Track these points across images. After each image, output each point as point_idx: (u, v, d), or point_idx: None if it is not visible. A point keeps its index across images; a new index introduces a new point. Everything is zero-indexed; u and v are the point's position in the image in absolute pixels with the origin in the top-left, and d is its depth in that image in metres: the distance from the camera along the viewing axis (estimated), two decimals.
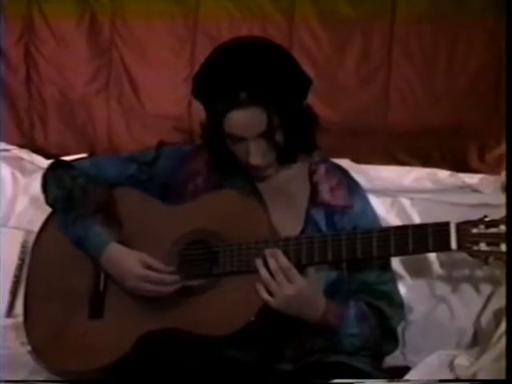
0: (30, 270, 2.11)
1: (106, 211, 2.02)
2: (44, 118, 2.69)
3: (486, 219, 1.77)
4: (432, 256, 2.18)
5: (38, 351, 2.01)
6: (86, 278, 2.00)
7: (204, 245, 1.91)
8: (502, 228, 1.75)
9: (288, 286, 1.78)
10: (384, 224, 2.08)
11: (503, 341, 1.83)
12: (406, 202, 2.31)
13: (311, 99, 1.97)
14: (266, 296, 1.79)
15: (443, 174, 2.36)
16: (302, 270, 1.82)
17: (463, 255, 1.80)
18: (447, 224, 1.78)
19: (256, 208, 1.91)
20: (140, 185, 2.06)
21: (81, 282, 2.01)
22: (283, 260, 1.80)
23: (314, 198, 1.96)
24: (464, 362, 1.88)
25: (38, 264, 2.10)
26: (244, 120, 1.84)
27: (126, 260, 1.92)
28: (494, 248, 1.75)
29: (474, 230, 1.77)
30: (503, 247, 1.74)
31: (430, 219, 1.83)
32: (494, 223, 1.76)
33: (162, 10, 2.59)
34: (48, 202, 2.10)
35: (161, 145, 2.10)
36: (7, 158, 2.62)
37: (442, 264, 2.18)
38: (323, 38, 2.50)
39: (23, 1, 2.64)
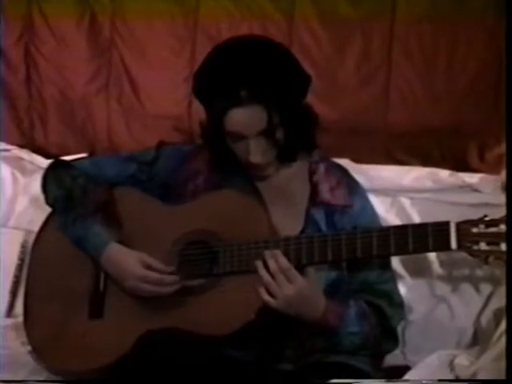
0: (29, 270, 2.11)
1: (105, 211, 2.02)
2: (44, 117, 2.69)
3: (486, 219, 1.77)
4: (432, 255, 2.18)
5: (38, 351, 2.01)
6: (85, 278, 2.00)
7: (204, 245, 1.91)
8: (502, 227, 1.75)
9: (288, 286, 1.78)
10: (384, 224, 2.07)
11: (503, 340, 1.83)
12: (405, 201, 2.31)
13: (311, 99, 1.97)
14: (266, 297, 1.79)
15: (443, 174, 2.36)
16: (301, 269, 1.82)
17: (463, 255, 1.80)
18: (447, 223, 1.78)
19: (256, 208, 1.91)
20: (140, 185, 2.06)
21: (81, 281, 2.01)
22: (283, 261, 1.80)
23: (313, 197, 1.96)
24: (464, 362, 1.88)
25: (37, 264, 2.10)
26: (244, 118, 1.84)
27: (125, 260, 1.92)
28: (494, 247, 1.75)
29: (474, 230, 1.77)
30: (503, 247, 1.74)
31: (430, 219, 1.83)
32: (494, 223, 1.76)
33: (162, 10, 2.59)
34: (48, 201, 2.10)
35: (161, 145, 2.10)
36: (7, 157, 2.62)
37: (441, 263, 2.19)
38: (323, 37, 2.50)
39: (23, 1, 2.64)
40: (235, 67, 1.83)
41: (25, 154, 2.64)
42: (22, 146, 2.67)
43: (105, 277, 1.99)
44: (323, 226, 1.93)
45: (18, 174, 2.59)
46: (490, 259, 1.76)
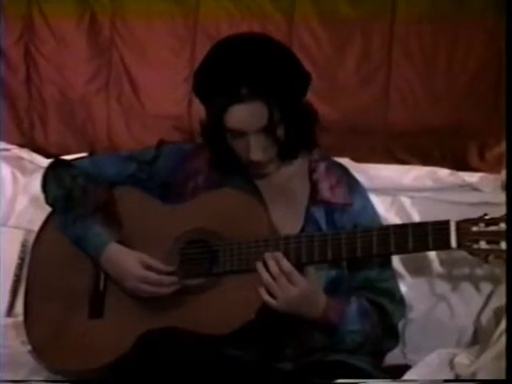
0: (30, 270, 2.11)
1: (105, 211, 2.02)
2: (44, 117, 2.69)
3: (486, 217, 1.77)
4: (432, 254, 2.18)
5: (38, 350, 2.01)
6: (85, 278, 2.00)
7: (204, 244, 1.91)
8: (502, 226, 1.75)
9: (292, 288, 1.79)
10: (384, 223, 2.07)
11: (503, 339, 1.83)
12: (406, 200, 2.31)
13: (311, 98, 1.97)
14: (267, 298, 1.79)
15: (443, 173, 2.35)
16: (301, 268, 1.82)
17: (463, 253, 1.80)
18: (447, 222, 1.78)
19: (256, 207, 1.91)
20: (140, 184, 2.06)
21: (81, 281, 2.01)
22: (285, 263, 1.80)
23: (314, 195, 1.96)
24: (464, 361, 1.87)
25: (38, 263, 2.10)
26: (245, 114, 1.84)
27: (125, 260, 1.92)
28: (494, 246, 1.75)
29: (474, 229, 1.77)
30: (503, 245, 1.74)
31: (430, 218, 1.84)
32: (493, 221, 1.76)
33: (162, 10, 2.59)
34: (48, 201, 2.10)
35: (161, 144, 2.10)
36: (7, 157, 2.62)
37: (442, 262, 2.19)
38: (323, 37, 2.50)
39: (23, 1, 2.64)
40: (236, 64, 1.84)
41: (25, 154, 2.64)
42: (22, 146, 2.68)
43: (105, 276, 1.99)
44: (323, 225, 1.93)
45: (18, 174, 2.59)
46: (490, 258, 1.76)
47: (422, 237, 1.79)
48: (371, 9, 2.46)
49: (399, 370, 1.90)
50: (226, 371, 1.84)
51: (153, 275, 1.88)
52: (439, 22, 2.42)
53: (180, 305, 1.88)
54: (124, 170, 2.08)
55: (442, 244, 1.79)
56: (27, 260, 2.21)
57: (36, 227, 2.15)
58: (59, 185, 2.08)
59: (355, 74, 2.49)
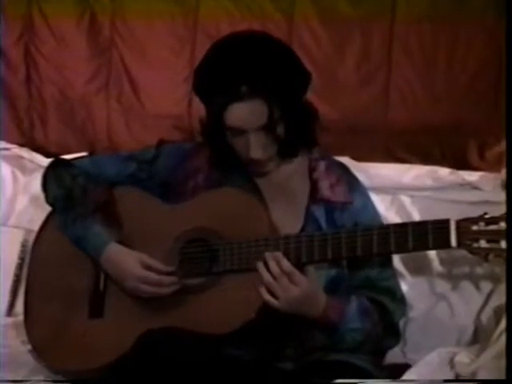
0: (30, 269, 2.11)
1: (105, 211, 2.02)
2: (44, 117, 2.69)
3: (486, 216, 1.77)
4: (432, 253, 2.19)
5: (39, 350, 2.02)
6: (86, 278, 2.00)
7: (204, 243, 1.91)
8: (502, 225, 1.75)
9: (293, 288, 1.78)
10: (384, 222, 2.07)
11: (503, 338, 1.83)
12: (406, 199, 2.31)
13: (311, 98, 1.97)
14: (268, 297, 1.79)
15: (443, 172, 2.35)
16: (301, 268, 1.82)
17: (463, 252, 1.80)
18: (447, 221, 1.78)
19: (256, 206, 1.91)
20: (140, 183, 2.06)
21: (81, 281, 2.01)
22: (286, 263, 1.80)
23: (314, 194, 1.96)
24: (464, 360, 1.87)
25: (38, 263, 2.10)
26: (245, 112, 1.84)
27: (125, 260, 1.92)
28: (494, 245, 1.75)
29: (474, 228, 1.77)
30: (503, 244, 1.74)
31: (430, 216, 1.84)
32: (493, 220, 1.76)
33: (162, 10, 2.60)
34: (48, 200, 2.11)
35: (161, 143, 2.10)
36: (7, 156, 2.62)
37: (442, 261, 2.19)
38: (323, 37, 2.50)
39: (23, 1, 2.64)
40: (236, 62, 1.84)
41: (25, 153, 2.64)
42: (22, 145, 2.67)
43: (105, 276, 1.99)
44: (323, 223, 1.93)
45: (18, 173, 2.60)
46: (490, 257, 1.76)
47: (422, 236, 1.79)
48: (371, 8, 2.46)
49: (399, 369, 1.90)
50: (226, 371, 1.84)
51: (152, 275, 1.88)
52: (439, 22, 2.42)
53: (180, 304, 1.88)
54: (124, 170, 2.08)
55: (442, 243, 1.79)
56: (27, 260, 2.21)
57: (36, 227, 2.15)
58: (59, 184, 2.08)
59: (355, 73, 2.49)
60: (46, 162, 2.36)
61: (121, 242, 1.96)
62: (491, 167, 2.36)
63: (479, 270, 2.14)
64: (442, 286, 2.20)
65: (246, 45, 1.86)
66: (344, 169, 2.04)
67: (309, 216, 1.93)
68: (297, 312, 1.81)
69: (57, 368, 1.99)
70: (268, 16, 2.52)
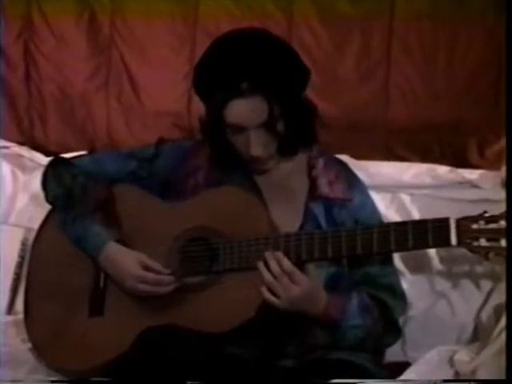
0: (30, 268, 2.12)
1: (105, 210, 2.02)
2: (44, 115, 2.69)
3: (486, 215, 1.77)
4: (432, 252, 2.19)
5: (39, 348, 2.02)
6: (85, 276, 2.00)
7: (204, 242, 1.91)
8: (502, 223, 1.75)
9: (294, 287, 1.79)
10: (384, 220, 2.07)
11: (503, 336, 1.83)
12: (405, 197, 2.31)
13: (311, 96, 1.97)
14: (270, 297, 1.79)
15: (442, 170, 2.35)
16: (301, 266, 1.82)
17: (463, 251, 1.80)
18: (447, 220, 1.78)
19: (256, 205, 1.91)
20: (140, 181, 2.06)
21: (81, 279, 2.01)
22: (286, 263, 1.80)
23: (312, 191, 1.96)
24: (464, 358, 1.87)
25: (38, 261, 2.10)
26: (245, 109, 1.84)
27: (124, 260, 1.92)
28: (493, 243, 1.75)
29: (474, 226, 1.77)
30: (503, 243, 1.74)
31: (430, 215, 1.84)
32: (493, 219, 1.76)
33: (162, 9, 2.59)
34: (48, 199, 2.11)
35: (161, 141, 2.10)
36: (7, 155, 2.62)
37: (441, 260, 2.19)
38: (323, 36, 2.50)
39: (23, 0, 2.64)
40: (236, 59, 1.84)
41: (24, 152, 2.64)
42: (21, 144, 2.67)
43: (105, 274, 1.99)
44: (322, 221, 1.93)
45: (18, 172, 2.59)
46: (490, 255, 1.76)
47: (421, 234, 1.79)
48: (370, 6, 2.46)
49: (399, 368, 1.90)
50: (226, 369, 1.84)
51: (151, 275, 1.88)
52: (439, 20, 2.41)
53: (180, 303, 1.88)
54: (124, 168, 2.08)
55: (442, 241, 1.79)
56: (27, 258, 2.21)
57: (36, 225, 2.15)
58: (59, 183, 2.08)
59: (355, 71, 2.49)
60: (45, 160, 2.36)
61: (120, 241, 1.96)
62: (491, 165, 2.36)
63: (479, 269, 2.13)
64: (442, 284, 2.20)
65: (246, 41, 1.86)
66: (343, 166, 2.04)
67: (308, 214, 1.93)
68: (298, 310, 1.81)
69: (57, 366, 1.99)
70: (268, 14, 2.52)
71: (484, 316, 2.11)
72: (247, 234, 1.87)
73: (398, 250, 1.90)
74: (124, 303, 1.94)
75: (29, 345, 2.05)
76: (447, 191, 2.29)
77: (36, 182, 2.22)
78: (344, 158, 2.18)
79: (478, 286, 2.15)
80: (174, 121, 2.58)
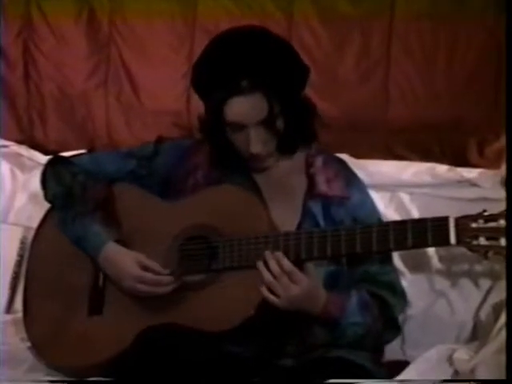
0: (29, 267, 2.12)
1: (105, 209, 2.02)
2: (43, 114, 2.69)
3: (485, 213, 1.77)
4: (431, 251, 2.18)
5: (38, 347, 2.01)
6: (85, 275, 2.00)
7: (203, 240, 1.91)
8: (502, 222, 1.75)
9: (293, 287, 1.79)
10: (383, 219, 2.07)
11: (503, 334, 1.83)
12: (405, 196, 2.31)
13: (311, 95, 1.98)
14: (270, 296, 1.79)
15: (442, 169, 2.34)
16: (301, 264, 1.82)
17: (462, 250, 1.80)
18: (446, 219, 1.78)
19: (255, 204, 1.91)
20: (140, 180, 2.06)
21: (80, 278, 2.01)
22: (286, 263, 1.80)
23: (311, 189, 1.96)
24: (463, 356, 1.87)
25: (37, 260, 2.10)
26: (245, 106, 1.84)
27: (123, 260, 1.92)
28: (493, 242, 1.75)
29: (473, 225, 1.77)
30: (503, 242, 1.74)
31: (429, 214, 1.84)
32: (493, 217, 1.76)
33: (161, 8, 2.59)
34: (47, 198, 2.11)
35: (160, 140, 2.10)
36: (6, 154, 2.61)
37: (441, 258, 2.18)
38: (323, 36, 2.50)
39: None
40: (235, 57, 1.84)
41: (24, 151, 2.63)
42: (20, 143, 2.67)
43: (104, 273, 1.99)
44: (321, 219, 1.93)
45: (17, 171, 2.59)
46: (490, 254, 1.75)
47: (421, 233, 1.79)
48: (370, 6, 2.46)
49: (398, 366, 1.90)
50: (226, 368, 1.83)
51: (149, 275, 1.88)
52: (439, 20, 2.41)
53: (180, 301, 1.88)
54: (124, 167, 2.08)
55: (442, 240, 1.79)
56: (26, 257, 2.21)
57: (35, 224, 2.15)
58: (58, 182, 2.08)
59: (355, 71, 2.49)
60: (44, 159, 2.34)
61: (120, 241, 1.96)
62: (491, 164, 2.35)
63: (478, 268, 2.13)
64: (441, 283, 2.20)
65: (245, 39, 1.87)
66: (342, 164, 2.04)
67: (306, 212, 1.93)
68: (297, 309, 1.82)
69: (56, 365, 1.99)
70: (268, 14, 2.51)
71: (483, 314, 2.11)
72: (247, 233, 1.87)
73: (397, 249, 1.90)
74: (123, 302, 1.94)
75: (28, 343, 2.05)
76: (446, 190, 2.29)
77: (35, 180, 2.23)
78: (344, 157, 2.18)
79: (477, 284, 2.15)
80: (173, 119, 2.57)
